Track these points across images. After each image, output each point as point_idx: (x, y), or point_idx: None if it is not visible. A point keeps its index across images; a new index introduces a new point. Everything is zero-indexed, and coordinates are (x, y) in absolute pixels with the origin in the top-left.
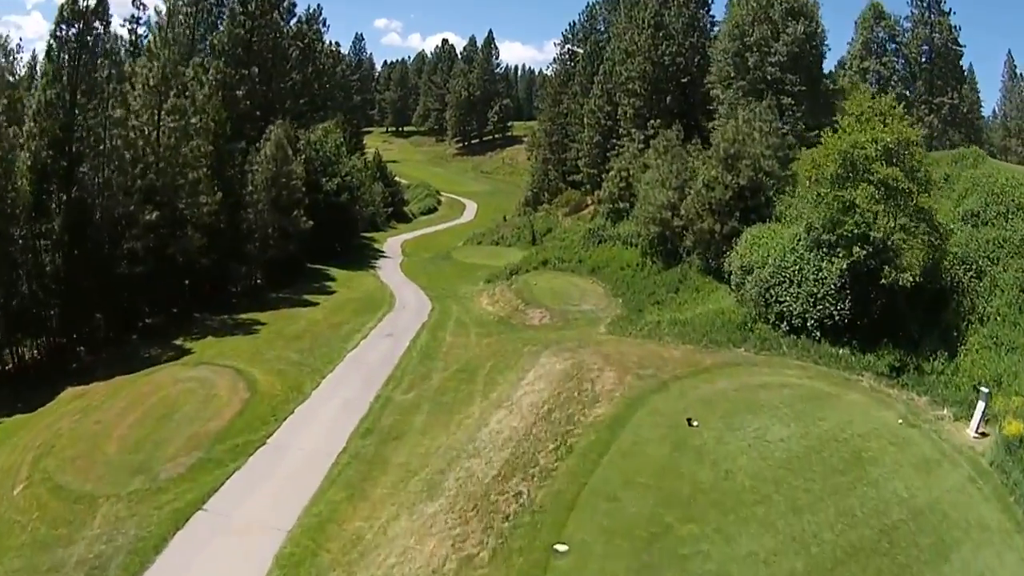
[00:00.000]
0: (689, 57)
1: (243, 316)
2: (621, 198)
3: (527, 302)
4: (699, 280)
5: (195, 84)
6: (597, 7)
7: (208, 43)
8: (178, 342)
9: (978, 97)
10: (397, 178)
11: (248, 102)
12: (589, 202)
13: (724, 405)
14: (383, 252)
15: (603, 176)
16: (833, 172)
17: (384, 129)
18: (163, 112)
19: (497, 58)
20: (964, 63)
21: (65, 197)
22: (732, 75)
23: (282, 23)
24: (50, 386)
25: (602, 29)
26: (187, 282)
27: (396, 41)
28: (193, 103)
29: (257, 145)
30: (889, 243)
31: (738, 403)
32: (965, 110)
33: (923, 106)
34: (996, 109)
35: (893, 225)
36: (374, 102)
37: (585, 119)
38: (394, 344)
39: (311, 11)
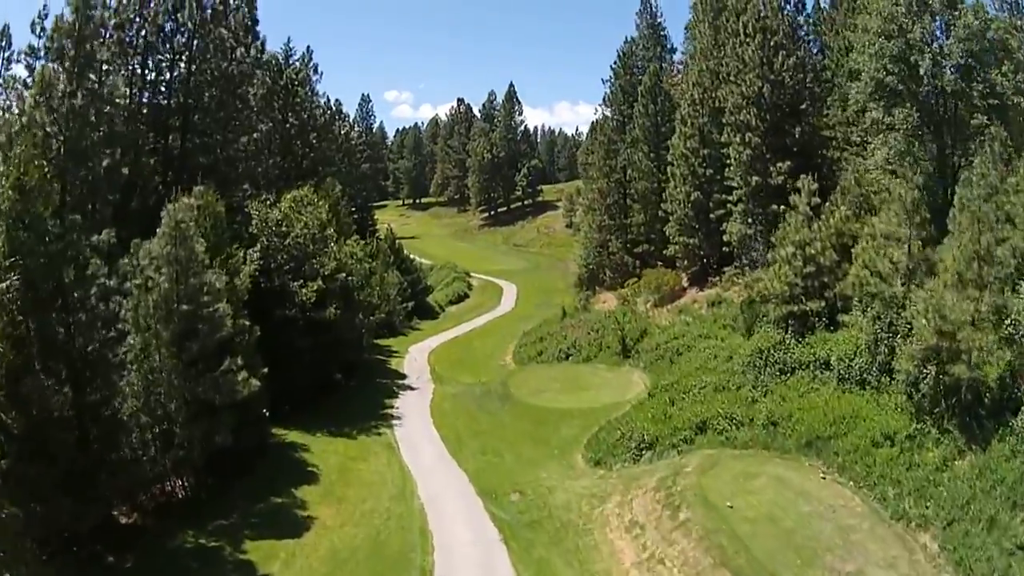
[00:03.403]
0: (799, 74)
1: None
2: (809, 293)
3: None
4: None
5: None
6: (638, 39)
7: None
8: None
9: None
10: (417, 258)
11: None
12: (685, 284)
13: None
14: (403, 377)
15: (704, 247)
16: None
17: (400, 201)
18: None
19: (520, 114)
20: None
21: None
22: (897, 87)
23: (232, 42)
24: None
25: (639, 65)
26: None
27: (407, 113)
28: None
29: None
30: None
31: None
32: None
33: None
34: None
35: None
36: (387, 172)
37: (674, 169)
38: None
39: (293, 49)
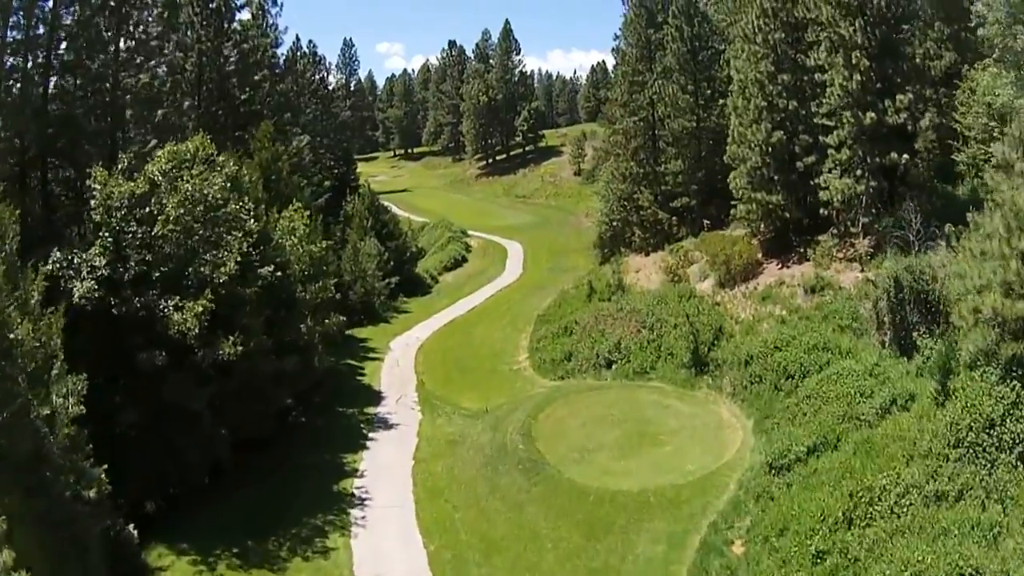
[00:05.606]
0: None
1: None
2: None
3: None
4: None
5: None
6: None
7: None
8: None
9: None
10: (407, 215)
11: None
12: (759, 256)
13: None
14: (377, 401)
15: (787, 207)
16: None
17: (391, 152)
18: None
19: (518, 54)
20: None
21: None
22: None
23: None
24: None
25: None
26: None
27: (400, 64)
28: None
29: None
30: None
31: None
32: None
33: None
34: None
35: None
36: (376, 122)
37: (739, 101)
38: None
39: None
